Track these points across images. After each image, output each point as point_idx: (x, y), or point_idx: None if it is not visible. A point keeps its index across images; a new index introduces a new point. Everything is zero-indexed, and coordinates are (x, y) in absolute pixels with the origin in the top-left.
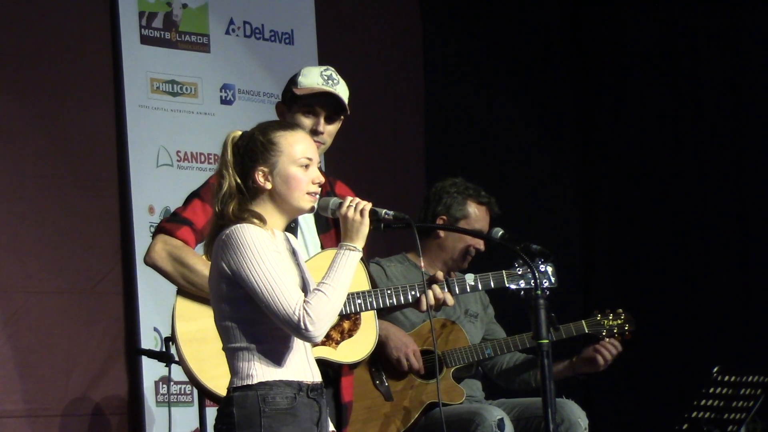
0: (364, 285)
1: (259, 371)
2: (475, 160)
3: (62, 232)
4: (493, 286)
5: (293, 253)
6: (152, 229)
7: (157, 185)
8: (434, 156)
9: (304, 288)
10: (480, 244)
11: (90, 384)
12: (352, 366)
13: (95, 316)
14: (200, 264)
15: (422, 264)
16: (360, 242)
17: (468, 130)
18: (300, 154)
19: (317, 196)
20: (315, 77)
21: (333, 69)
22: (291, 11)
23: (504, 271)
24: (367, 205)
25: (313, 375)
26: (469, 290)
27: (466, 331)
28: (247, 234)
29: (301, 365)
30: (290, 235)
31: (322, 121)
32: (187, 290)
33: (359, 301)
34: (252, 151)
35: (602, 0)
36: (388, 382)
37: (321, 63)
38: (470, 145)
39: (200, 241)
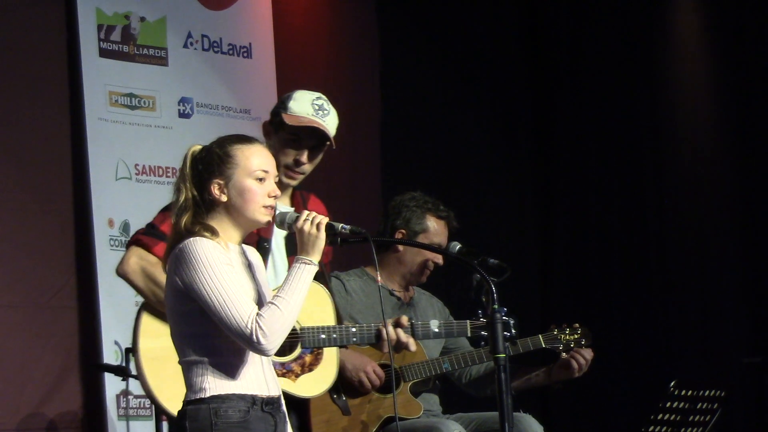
0: (330, 318)
1: (212, 385)
2: (430, 174)
3: (16, 245)
4: (456, 334)
5: (249, 266)
6: (111, 242)
7: (116, 198)
8: (390, 169)
9: (260, 301)
10: (438, 258)
11: (44, 399)
12: (306, 400)
13: (49, 330)
14: None
15: (379, 278)
16: (316, 256)
17: (424, 143)
18: (256, 166)
19: (273, 210)
20: (305, 105)
21: (325, 98)
22: (249, 25)
23: (468, 321)
24: (324, 219)
25: (269, 389)
26: (432, 336)
27: (424, 345)
28: (198, 248)
29: (256, 379)
30: (248, 248)
31: (306, 153)
32: (156, 307)
33: (323, 336)
34: (209, 163)
35: (558, 12)
36: (345, 396)
37: (279, 76)
38: (426, 158)
39: None
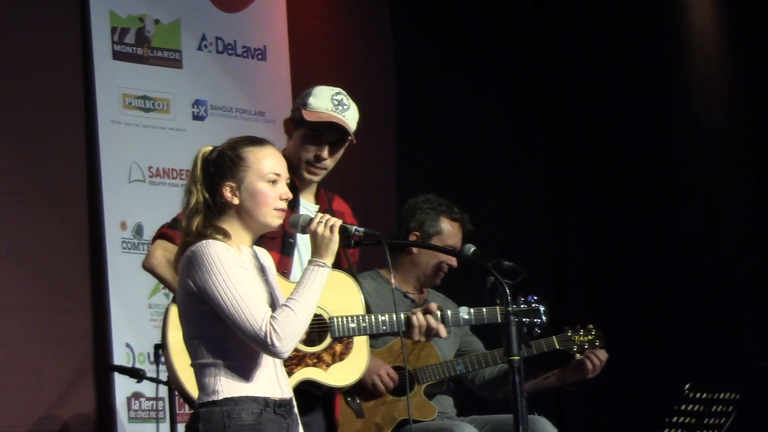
0: (359, 308)
1: (225, 387)
2: (446, 176)
3: (31, 248)
4: (486, 321)
5: (261, 269)
6: (124, 245)
7: (129, 201)
8: (405, 171)
9: (272, 304)
10: (452, 260)
11: (58, 401)
12: (341, 389)
13: (64, 332)
14: None
15: (393, 281)
16: (329, 258)
17: (439, 145)
18: (268, 169)
19: (284, 212)
20: (325, 101)
21: (344, 93)
22: (263, 27)
23: (497, 307)
24: (337, 222)
25: (282, 391)
26: (462, 323)
27: (438, 347)
28: (211, 250)
29: (269, 381)
30: (260, 250)
31: (326, 149)
32: None
33: (353, 325)
34: (220, 166)
35: (573, 11)
36: (359, 398)
37: (293, 79)
38: (441, 160)
39: None
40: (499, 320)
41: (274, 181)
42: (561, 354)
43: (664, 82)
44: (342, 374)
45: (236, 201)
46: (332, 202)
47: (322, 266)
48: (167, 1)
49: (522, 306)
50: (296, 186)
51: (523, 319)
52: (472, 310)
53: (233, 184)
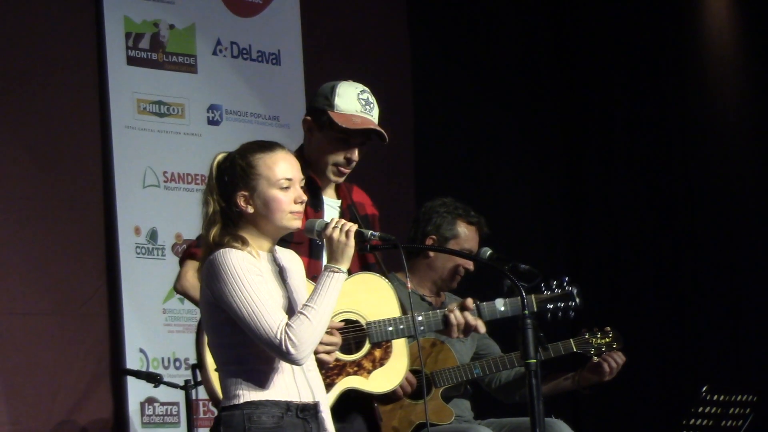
0: (395, 311)
1: (246, 391)
2: (463, 180)
3: (48, 253)
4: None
5: (281, 272)
6: (138, 250)
7: (144, 206)
8: (423, 175)
9: (290, 307)
10: (469, 264)
11: (75, 405)
12: (384, 395)
13: (80, 337)
14: None
15: (409, 284)
16: (345, 264)
17: (456, 149)
18: (280, 175)
19: (301, 214)
20: (353, 101)
21: (368, 90)
22: (278, 32)
23: (533, 295)
24: (353, 227)
25: (300, 395)
26: (499, 315)
27: (455, 350)
28: (227, 259)
29: (287, 385)
30: (285, 252)
31: (356, 152)
32: None
33: (390, 328)
34: (232, 175)
35: (588, 14)
36: (376, 402)
37: (307, 83)
38: (458, 164)
39: None
40: (535, 309)
41: (286, 187)
42: (576, 357)
43: (679, 84)
44: (384, 380)
45: (251, 210)
46: (352, 193)
47: (338, 272)
48: (182, 6)
49: (555, 290)
50: (318, 186)
51: (558, 304)
52: (507, 301)
53: (246, 193)
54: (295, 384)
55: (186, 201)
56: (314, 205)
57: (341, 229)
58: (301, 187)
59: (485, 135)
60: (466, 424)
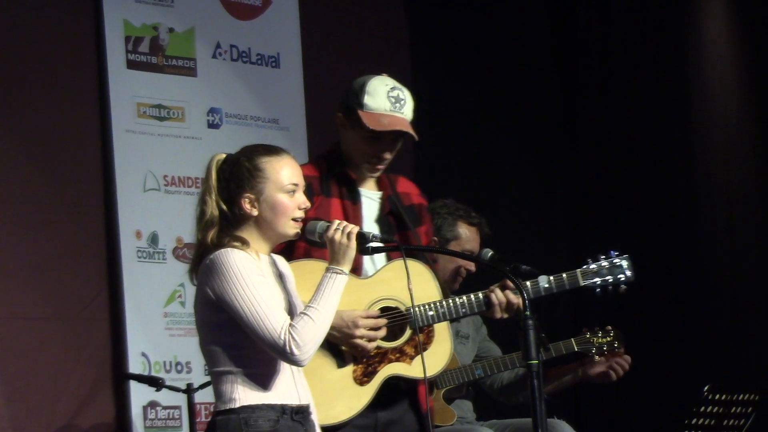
0: (435, 294)
1: (243, 395)
2: (464, 180)
3: (48, 257)
4: (567, 287)
5: (280, 276)
6: (139, 254)
7: (145, 210)
8: (423, 177)
9: (291, 311)
10: (470, 265)
11: (77, 410)
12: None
13: (82, 341)
14: None
15: (411, 286)
16: (347, 265)
17: (456, 150)
18: (287, 180)
19: (302, 222)
20: (382, 100)
21: (399, 86)
22: (277, 35)
23: (578, 270)
24: (354, 229)
25: (299, 397)
26: (543, 293)
27: (457, 352)
28: (230, 258)
29: (287, 388)
30: (279, 258)
31: (387, 150)
32: None
33: (431, 313)
34: (237, 177)
35: (588, 15)
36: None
37: (307, 85)
38: (458, 165)
39: None
40: (581, 284)
41: (292, 191)
42: (579, 357)
43: (680, 84)
44: (427, 365)
45: (255, 212)
46: (396, 184)
47: (340, 273)
48: (181, 9)
49: (603, 263)
50: (353, 178)
51: (607, 278)
52: (551, 278)
53: (252, 196)
54: (294, 386)
55: (187, 205)
56: (351, 198)
57: (342, 231)
58: (304, 192)
59: (486, 135)
60: (469, 426)
